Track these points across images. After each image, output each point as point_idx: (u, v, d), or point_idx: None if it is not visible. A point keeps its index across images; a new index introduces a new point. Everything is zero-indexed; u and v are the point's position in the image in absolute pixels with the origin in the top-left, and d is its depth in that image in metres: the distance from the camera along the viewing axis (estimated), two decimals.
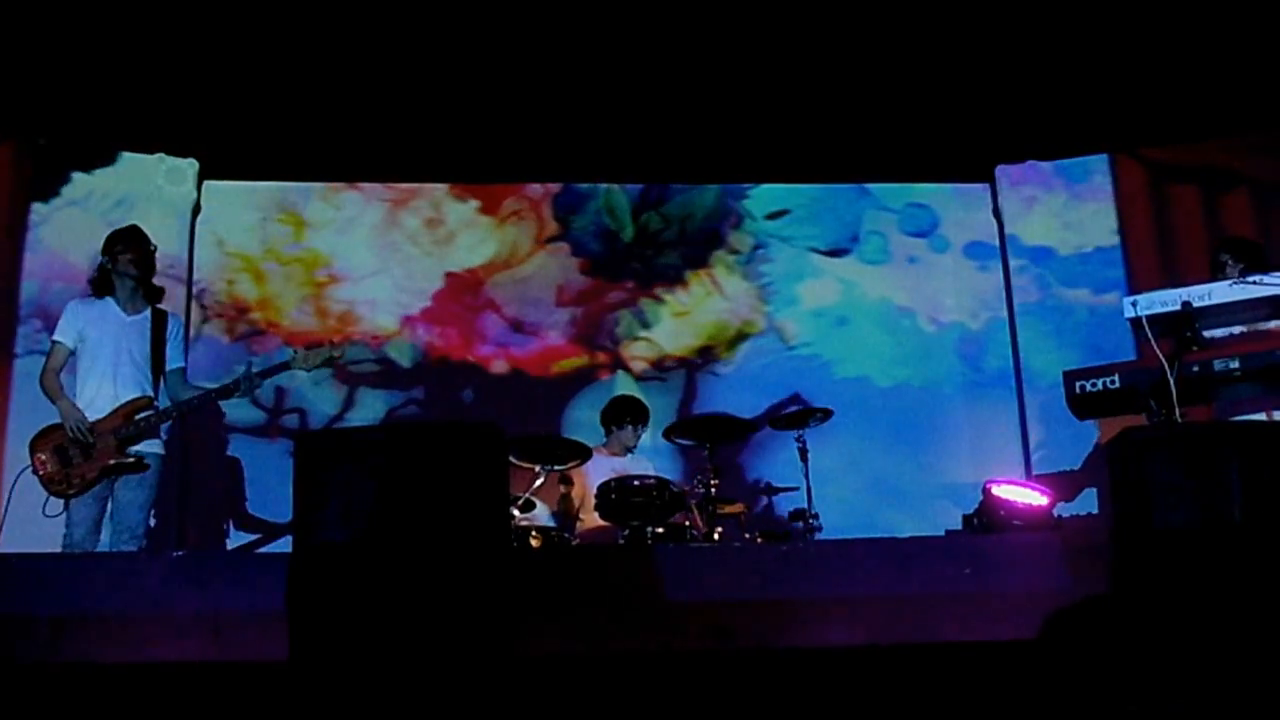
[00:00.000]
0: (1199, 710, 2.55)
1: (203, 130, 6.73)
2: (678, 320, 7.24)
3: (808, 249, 7.32)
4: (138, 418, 4.73)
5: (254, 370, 4.82)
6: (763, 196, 7.39)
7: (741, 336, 7.22)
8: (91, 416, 4.71)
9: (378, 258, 7.14)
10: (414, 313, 7.09)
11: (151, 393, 4.82)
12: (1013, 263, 7.14)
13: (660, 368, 7.15)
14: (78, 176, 6.76)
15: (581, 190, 7.35)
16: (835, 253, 7.32)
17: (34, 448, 4.72)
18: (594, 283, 7.23)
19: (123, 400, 4.74)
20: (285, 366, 4.84)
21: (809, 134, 6.93)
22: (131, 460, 4.70)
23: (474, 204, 7.30)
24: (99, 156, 6.79)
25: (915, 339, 7.21)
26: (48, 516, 4.63)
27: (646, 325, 7.21)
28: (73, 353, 4.82)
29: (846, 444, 6.71)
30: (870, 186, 7.37)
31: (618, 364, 7.12)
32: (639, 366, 7.13)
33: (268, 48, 6.28)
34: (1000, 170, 7.22)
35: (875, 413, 7.00)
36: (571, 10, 6.17)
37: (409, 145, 6.90)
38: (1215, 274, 4.71)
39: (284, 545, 5.72)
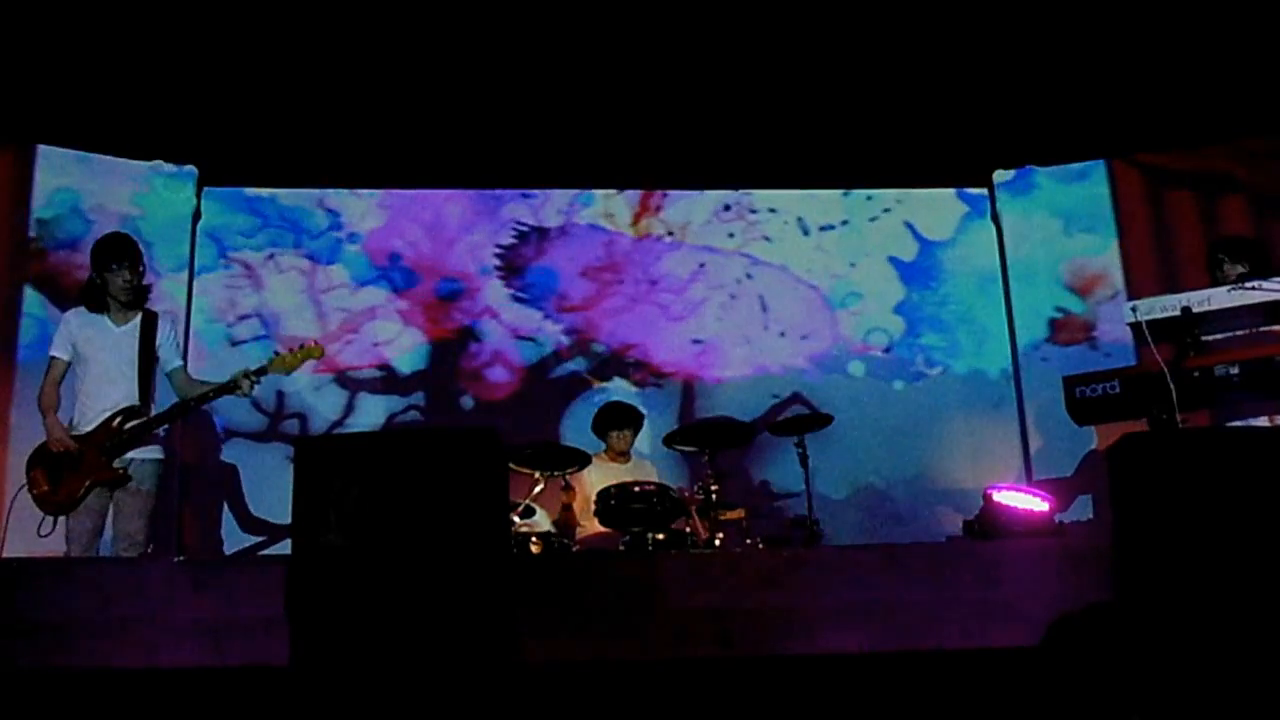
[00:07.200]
0: (1202, 717, 2.55)
1: (202, 136, 6.72)
2: None
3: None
4: (128, 426, 4.69)
5: (247, 371, 4.74)
6: None
7: None
8: (86, 429, 4.68)
9: None
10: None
11: (140, 401, 4.75)
12: (1011, 267, 7.15)
13: None
14: None
15: None
16: None
17: (29, 466, 4.69)
18: None
19: (114, 411, 4.71)
20: (264, 371, 4.78)
21: (808, 138, 6.93)
22: (118, 472, 4.65)
23: None
24: None
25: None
26: (42, 537, 4.58)
27: None
28: (70, 365, 4.78)
29: (847, 449, 6.71)
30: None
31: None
32: None
33: (267, 53, 6.29)
34: (998, 175, 7.22)
35: (876, 417, 7.00)
36: (570, 13, 6.19)
37: (409, 147, 6.90)
38: (1213, 273, 4.72)
39: (283, 549, 5.71)
